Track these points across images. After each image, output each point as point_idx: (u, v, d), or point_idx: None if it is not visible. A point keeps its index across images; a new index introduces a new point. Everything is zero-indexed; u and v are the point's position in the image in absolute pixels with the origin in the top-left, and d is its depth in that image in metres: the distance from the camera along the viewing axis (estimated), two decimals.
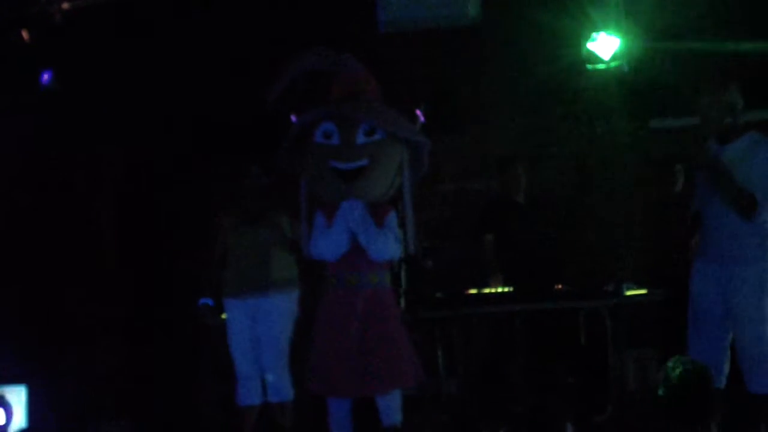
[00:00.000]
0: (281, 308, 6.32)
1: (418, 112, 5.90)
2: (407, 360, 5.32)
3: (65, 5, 6.29)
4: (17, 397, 6.51)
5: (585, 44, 6.77)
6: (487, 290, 7.11)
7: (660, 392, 4.08)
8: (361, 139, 5.21)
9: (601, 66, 6.72)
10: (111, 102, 7.54)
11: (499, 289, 7.10)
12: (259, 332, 6.31)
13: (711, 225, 5.31)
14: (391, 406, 5.34)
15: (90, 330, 7.84)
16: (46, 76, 6.91)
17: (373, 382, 5.22)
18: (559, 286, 7.02)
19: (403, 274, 6.94)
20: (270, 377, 6.30)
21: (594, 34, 6.58)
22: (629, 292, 6.73)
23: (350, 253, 5.29)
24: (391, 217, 5.35)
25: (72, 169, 8.01)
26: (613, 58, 6.62)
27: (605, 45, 6.59)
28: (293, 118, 5.59)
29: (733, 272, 5.20)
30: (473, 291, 7.07)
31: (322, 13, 6.81)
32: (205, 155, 7.99)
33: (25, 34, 6.49)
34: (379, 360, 5.20)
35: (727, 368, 5.28)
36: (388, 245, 5.26)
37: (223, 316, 6.45)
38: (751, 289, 5.17)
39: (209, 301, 6.42)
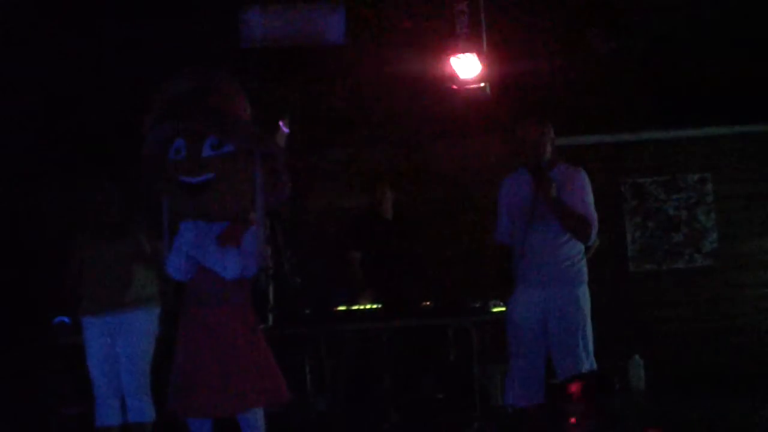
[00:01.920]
0: (141, 326, 6.14)
1: (280, 123, 5.79)
2: (268, 377, 5.21)
3: None
4: None
5: (448, 65, 6.80)
6: (355, 307, 7.08)
7: None
8: (207, 152, 5.05)
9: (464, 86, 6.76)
10: None
11: (368, 306, 7.07)
12: (118, 350, 6.11)
13: (531, 253, 5.58)
14: (253, 425, 5.22)
15: None
16: None
17: (232, 400, 5.07)
18: (427, 303, 7.03)
19: (270, 290, 6.85)
20: (129, 398, 6.10)
21: (456, 56, 6.61)
22: (496, 309, 6.78)
23: (202, 271, 5.19)
24: (249, 233, 5.22)
25: None
26: (475, 78, 6.65)
27: (467, 66, 6.62)
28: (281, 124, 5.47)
29: (553, 294, 5.56)
30: (342, 308, 7.04)
31: (187, 30, 6.67)
32: (69, 165, 7.76)
33: None
34: (236, 378, 5.08)
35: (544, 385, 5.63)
36: (232, 263, 5.14)
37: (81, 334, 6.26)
38: (568, 308, 5.56)
39: (65, 319, 6.22)
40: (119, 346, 6.11)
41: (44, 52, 6.77)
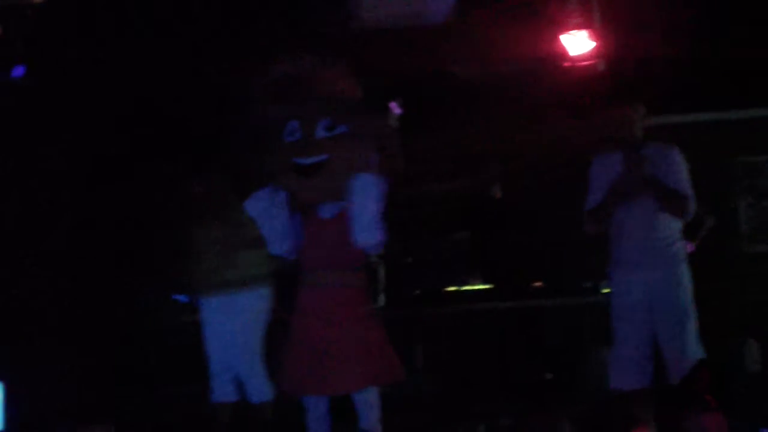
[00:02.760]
0: (252, 306, 6.21)
1: (392, 104, 5.80)
2: (383, 357, 5.25)
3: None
4: None
5: (559, 42, 6.69)
6: (465, 288, 7.08)
7: None
8: (320, 133, 5.14)
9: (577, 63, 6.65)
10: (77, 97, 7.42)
11: (478, 287, 7.07)
12: (231, 329, 6.20)
13: (627, 233, 5.56)
14: (368, 403, 5.27)
15: (67, 327, 7.75)
16: (17, 71, 6.82)
17: (348, 379, 5.14)
18: (537, 283, 7.01)
19: (381, 271, 6.90)
20: (246, 379, 6.20)
21: (568, 32, 6.50)
22: (606, 290, 6.71)
23: (317, 251, 5.25)
24: (365, 210, 5.24)
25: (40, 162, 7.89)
26: (589, 55, 6.55)
27: (579, 43, 6.51)
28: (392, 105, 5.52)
29: (653, 275, 5.50)
30: (452, 288, 7.05)
31: (298, 11, 6.70)
32: (177, 154, 7.90)
33: None
34: (352, 357, 5.13)
35: (651, 366, 5.56)
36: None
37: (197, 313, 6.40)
38: (670, 289, 5.51)
39: (181, 298, 6.35)
40: (232, 325, 6.19)
41: (142, 42, 6.87)
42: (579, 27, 6.32)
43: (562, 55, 6.42)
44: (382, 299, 7.02)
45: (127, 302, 7.91)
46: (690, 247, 5.80)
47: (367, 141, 5.18)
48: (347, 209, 5.16)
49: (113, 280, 7.92)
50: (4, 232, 7.44)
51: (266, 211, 5.23)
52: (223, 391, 6.25)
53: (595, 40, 6.38)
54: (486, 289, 7.01)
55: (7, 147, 7.34)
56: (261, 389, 6.17)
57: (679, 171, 5.59)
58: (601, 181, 5.64)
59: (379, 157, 5.21)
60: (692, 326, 5.53)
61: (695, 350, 5.53)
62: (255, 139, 5.29)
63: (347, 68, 5.37)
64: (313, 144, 5.11)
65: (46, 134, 7.53)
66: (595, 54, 6.39)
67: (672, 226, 5.59)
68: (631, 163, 5.47)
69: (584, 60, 6.39)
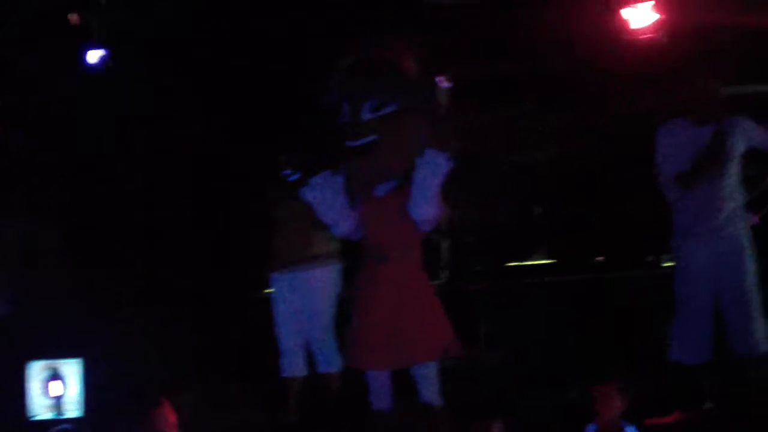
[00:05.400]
0: (324, 281, 6.28)
1: (439, 79, 5.74)
2: (442, 332, 5.28)
3: None
4: (73, 370, 6.55)
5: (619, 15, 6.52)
6: (528, 262, 7.06)
7: None
8: (366, 115, 5.13)
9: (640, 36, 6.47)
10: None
11: (541, 261, 7.04)
12: (302, 305, 6.29)
13: (693, 206, 5.58)
14: (428, 377, 5.30)
15: (146, 303, 7.86)
16: (96, 57, 6.88)
17: (408, 353, 5.18)
18: (600, 258, 6.96)
19: (444, 247, 6.89)
20: (317, 350, 6.29)
21: (630, 5, 6.32)
22: (667, 264, 6.65)
23: (374, 229, 5.26)
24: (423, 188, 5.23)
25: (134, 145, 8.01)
26: (651, 28, 6.35)
27: (642, 15, 6.33)
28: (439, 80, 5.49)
29: (719, 247, 5.55)
30: (514, 263, 7.03)
31: None
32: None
33: (73, 18, 6.51)
34: (412, 332, 5.16)
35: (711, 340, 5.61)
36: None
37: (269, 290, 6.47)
38: (736, 262, 5.55)
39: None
40: (304, 301, 6.28)
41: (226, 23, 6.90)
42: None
43: (624, 28, 6.26)
44: (445, 274, 7.04)
45: (207, 279, 7.99)
46: (754, 219, 5.73)
47: (417, 118, 5.16)
48: (404, 186, 5.16)
49: (194, 255, 8.01)
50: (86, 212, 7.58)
51: (322, 196, 5.26)
52: (294, 366, 6.35)
53: (659, 12, 6.21)
54: (548, 263, 6.98)
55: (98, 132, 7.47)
56: (331, 360, 6.25)
57: (761, 129, 5.67)
58: (678, 149, 5.58)
59: (430, 133, 5.19)
60: (756, 299, 5.49)
61: (760, 324, 5.47)
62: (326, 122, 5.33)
63: (401, 44, 5.35)
64: (360, 125, 5.12)
65: (131, 121, 7.64)
66: (659, 27, 6.21)
67: (737, 198, 5.56)
68: (718, 136, 5.42)
69: (647, 33, 6.22)
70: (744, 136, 5.61)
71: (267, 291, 6.49)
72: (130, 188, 7.84)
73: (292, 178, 5.33)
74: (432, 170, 5.07)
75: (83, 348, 6.77)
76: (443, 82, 5.58)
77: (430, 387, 5.29)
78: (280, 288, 6.38)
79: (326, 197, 5.31)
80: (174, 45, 7.16)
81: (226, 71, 7.47)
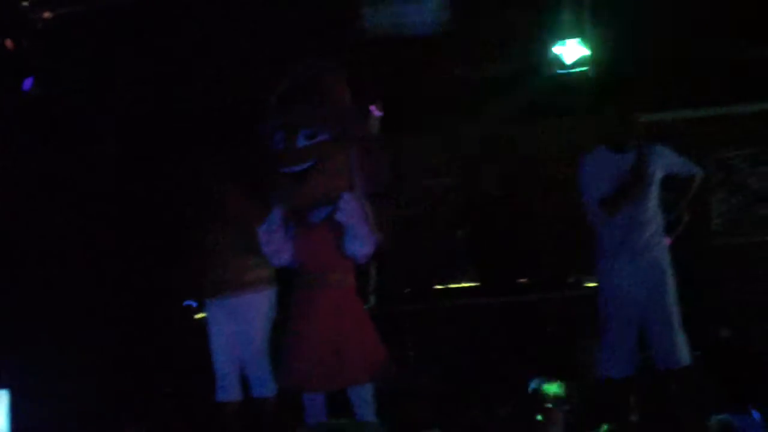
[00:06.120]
0: (258, 306, 6.28)
1: (372, 107, 5.87)
2: (375, 354, 5.37)
3: (47, 14, 6.24)
4: None
5: (551, 49, 6.85)
6: (454, 285, 7.19)
7: None
8: (301, 142, 5.22)
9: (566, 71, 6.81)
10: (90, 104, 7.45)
11: (467, 284, 7.18)
12: (237, 330, 6.29)
13: (617, 228, 5.81)
14: (364, 398, 5.39)
15: (76, 331, 7.75)
16: (28, 82, 6.88)
17: (343, 376, 5.26)
18: (523, 280, 7.11)
19: (372, 270, 6.98)
20: (251, 374, 6.29)
21: (561, 40, 6.67)
22: (589, 284, 6.85)
23: (309, 255, 5.35)
24: (356, 217, 5.35)
25: (60, 168, 7.91)
26: (578, 63, 6.74)
27: (571, 50, 6.70)
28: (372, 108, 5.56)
29: (641, 266, 5.79)
30: (441, 286, 7.15)
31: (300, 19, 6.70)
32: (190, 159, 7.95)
33: (8, 43, 6.47)
34: (348, 355, 5.24)
35: (638, 355, 5.83)
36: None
37: (202, 315, 6.46)
38: (657, 280, 5.79)
39: (193, 303, 6.41)
40: (238, 326, 6.29)
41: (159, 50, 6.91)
42: (572, 36, 6.44)
43: (556, 62, 6.55)
44: (373, 299, 7.13)
45: (135, 304, 7.93)
46: (668, 241, 5.98)
47: (349, 146, 5.28)
48: (335, 215, 5.27)
49: (123, 281, 7.95)
50: (11, 234, 7.46)
51: (266, 232, 5.34)
52: (229, 391, 6.33)
53: (587, 48, 6.54)
54: (474, 286, 7.12)
55: (19, 155, 7.37)
56: (266, 384, 6.26)
57: (678, 156, 5.97)
58: (595, 177, 5.80)
59: (362, 160, 5.31)
60: (678, 316, 5.72)
61: (681, 339, 5.70)
62: (259, 149, 5.39)
63: (336, 74, 5.46)
64: (295, 153, 5.21)
65: (61, 142, 7.56)
66: (587, 60, 6.53)
67: (657, 221, 5.79)
68: (639, 162, 5.65)
69: (577, 66, 6.53)
70: (662, 162, 5.87)
71: (199, 316, 6.48)
72: (57, 220, 7.77)
73: None
74: (352, 214, 5.20)
75: (10, 379, 6.67)
76: (376, 111, 5.68)
77: (366, 407, 5.38)
78: (214, 313, 6.36)
79: (269, 231, 5.38)
80: (102, 71, 7.13)
81: (154, 97, 7.48)
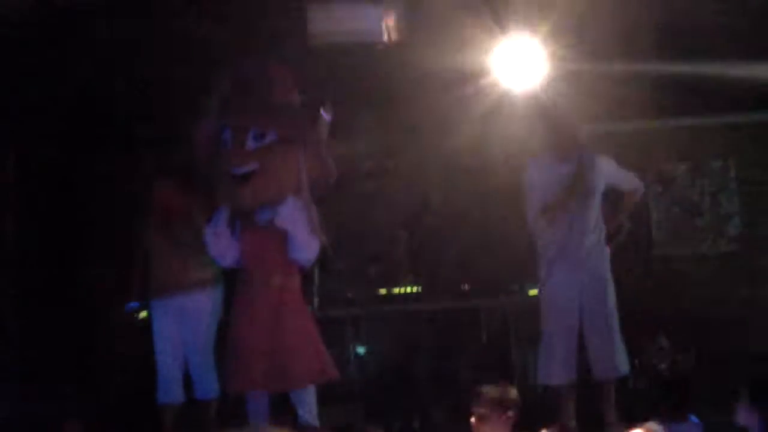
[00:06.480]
0: (203, 307, 6.23)
1: (321, 111, 5.89)
2: (318, 356, 5.38)
3: None
4: None
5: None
6: (396, 290, 7.22)
7: None
8: (250, 143, 5.23)
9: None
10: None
11: (408, 289, 7.21)
12: (182, 331, 6.23)
13: (560, 237, 5.89)
14: (305, 400, 5.41)
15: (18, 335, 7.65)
16: None
17: (285, 377, 5.28)
18: (465, 286, 7.16)
19: (315, 273, 6.99)
20: (195, 376, 6.25)
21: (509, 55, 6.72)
22: (532, 292, 6.91)
23: (254, 256, 5.35)
24: (299, 220, 5.34)
25: None
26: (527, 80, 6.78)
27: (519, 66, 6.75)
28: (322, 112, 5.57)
29: (583, 275, 5.88)
30: (383, 291, 7.17)
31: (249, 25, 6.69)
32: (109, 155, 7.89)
33: None
34: (290, 357, 5.25)
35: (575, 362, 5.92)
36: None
37: (143, 314, 6.41)
38: (598, 288, 5.89)
39: (135, 305, 6.36)
40: (183, 327, 6.23)
41: (104, 45, 6.83)
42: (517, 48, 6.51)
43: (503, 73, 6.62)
44: (315, 301, 7.14)
45: (79, 307, 7.84)
46: (608, 250, 6.06)
47: (297, 148, 5.29)
48: (275, 220, 5.27)
49: (67, 285, 7.85)
50: None
51: (212, 232, 5.33)
52: (171, 393, 6.25)
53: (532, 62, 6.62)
54: (416, 291, 7.16)
55: None
56: (210, 386, 6.22)
57: (620, 169, 6.10)
58: (542, 183, 5.87)
59: (309, 163, 5.32)
60: (616, 324, 5.81)
61: (619, 348, 5.79)
62: (200, 148, 5.37)
63: (286, 77, 5.46)
64: (243, 153, 5.21)
65: None
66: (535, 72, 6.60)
67: (598, 231, 5.87)
68: (581, 170, 5.72)
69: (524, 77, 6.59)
70: (603, 173, 5.95)
71: (142, 317, 6.42)
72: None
73: None
74: (295, 219, 5.22)
75: None
76: (325, 114, 5.70)
77: (307, 409, 5.41)
78: (158, 314, 6.28)
79: (214, 233, 5.37)
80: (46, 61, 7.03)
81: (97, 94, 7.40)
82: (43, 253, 7.77)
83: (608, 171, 6.00)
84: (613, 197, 6.23)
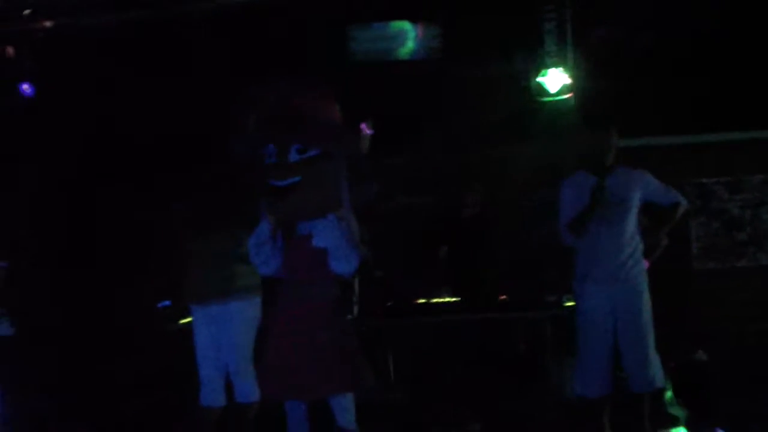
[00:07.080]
0: (243, 314, 6.33)
1: (362, 125, 5.99)
2: (356, 365, 5.45)
3: (47, 23, 6.35)
4: None
5: (535, 78, 7.11)
6: (435, 300, 7.28)
7: None
8: (293, 157, 5.32)
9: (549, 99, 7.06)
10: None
11: (447, 300, 7.27)
12: (222, 337, 6.34)
13: (595, 251, 5.90)
14: (344, 407, 5.47)
15: (51, 333, 7.79)
16: (26, 87, 7.01)
17: (323, 385, 5.34)
18: (503, 297, 7.21)
19: (355, 283, 7.08)
20: (235, 380, 6.34)
21: (545, 70, 6.92)
22: (568, 303, 6.94)
23: (295, 266, 5.46)
24: (342, 233, 5.44)
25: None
26: (561, 91, 6.98)
27: (554, 79, 6.98)
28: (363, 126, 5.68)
29: (619, 289, 5.86)
30: (422, 301, 7.24)
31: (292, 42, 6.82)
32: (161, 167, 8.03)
33: (9, 50, 6.58)
34: (328, 365, 5.32)
35: (612, 375, 5.92)
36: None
37: (187, 320, 6.53)
38: (634, 303, 5.87)
39: (167, 303, 6.46)
40: (223, 333, 6.34)
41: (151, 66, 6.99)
42: (554, 65, 6.66)
43: (540, 90, 6.76)
44: (355, 310, 7.22)
45: (114, 309, 7.98)
46: (646, 264, 6.09)
47: (339, 162, 5.39)
48: (311, 240, 5.37)
49: (103, 286, 7.99)
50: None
51: (255, 243, 5.45)
52: (213, 396, 6.37)
53: (569, 77, 6.77)
54: (456, 301, 7.22)
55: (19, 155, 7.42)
56: (249, 390, 6.30)
57: (659, 184, 6.03)
58: (572, 199, 5.92)
59: (351, 177, 5.43)
60: (652, 338, 5.84)
61: (654, 362, 5.82)
62: (243, 160, 5.49)
63: (327, 93, 5.57)
64: (286, 167, 5.30)
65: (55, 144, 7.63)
66: (568, 88, 6.74)
67: (637, 243, 5.89)
68: (599, 185, 5.77)
69: (560, 94, 6.73)
70: (640, 187, 5.95)
71: (184, 321, 6.53)
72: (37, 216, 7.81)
73: None
74: (335, 234, 5.31)
75: None
76: (366, 129, 5.80)
77: (347, 415, 5.47)
78: (199, 319, 6.41)
79: (258, 243, 5.49)
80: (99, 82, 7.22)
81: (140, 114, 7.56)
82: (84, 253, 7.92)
83: (644, 185, 5.99)
84: (654, 212, 6.24)
